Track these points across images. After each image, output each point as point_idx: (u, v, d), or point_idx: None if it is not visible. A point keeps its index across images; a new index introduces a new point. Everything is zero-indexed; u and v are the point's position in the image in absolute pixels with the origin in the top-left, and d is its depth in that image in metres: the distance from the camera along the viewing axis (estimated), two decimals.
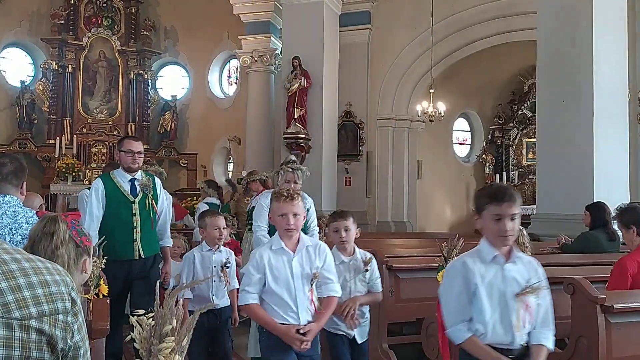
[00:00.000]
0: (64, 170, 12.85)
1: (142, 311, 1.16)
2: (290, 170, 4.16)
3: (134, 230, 4.06)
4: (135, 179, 4.15)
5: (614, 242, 5.04)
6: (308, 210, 3.74)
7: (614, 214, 3.60)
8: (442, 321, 3.12)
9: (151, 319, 1.13)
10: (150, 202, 4.14)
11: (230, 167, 14.76)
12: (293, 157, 4.84)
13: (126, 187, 4.12)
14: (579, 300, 2.77)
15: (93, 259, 2.09)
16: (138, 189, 4.12)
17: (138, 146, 4.15)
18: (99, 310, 2.03)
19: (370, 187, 12.34)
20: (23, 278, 1.05)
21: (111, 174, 4.19)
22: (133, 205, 4.08)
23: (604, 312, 2.69)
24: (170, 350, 1.11)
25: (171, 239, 4.47)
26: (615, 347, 2.70)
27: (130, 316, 1.16)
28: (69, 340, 1.08)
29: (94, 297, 2.33)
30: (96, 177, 4.62)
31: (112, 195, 4.08)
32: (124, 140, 4.26)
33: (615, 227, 5.04)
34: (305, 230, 3.35)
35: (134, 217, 4.06)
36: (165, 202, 4.42)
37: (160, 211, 4.29)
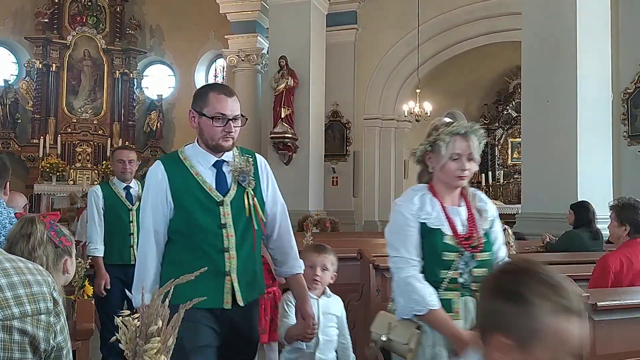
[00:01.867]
0: (48, 170, 12.71)
1: (127, 312, 1.15)
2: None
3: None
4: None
5: (597, 241, 5.10)
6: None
7: (612, 204, 3.54)
8: None
9: (136, 320, 1.12)
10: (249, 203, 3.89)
11: None
12: None
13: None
14: None
15: (77, 259, 2.07)
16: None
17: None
18: (84, 311, 2.01)
19: (357, 186, 12.36)
20: (4, 278, 1.03)
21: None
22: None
23: (587, 310, 2.72)
24: (156, 350, 1.10)
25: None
26: (599, 344, 2.73)
27: (116, 317, 1.15)
28: (51, 341, 1.07)
29: (78, 297, 2.31)
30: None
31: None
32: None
33: (599, 225, 5.12)
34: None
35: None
36: None
37: None
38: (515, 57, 9.91)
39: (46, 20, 13.40)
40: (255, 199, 2.21)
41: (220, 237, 2.14)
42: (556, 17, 6.86)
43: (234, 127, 2.15)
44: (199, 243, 2.12)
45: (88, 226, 4.11)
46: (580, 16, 6.68)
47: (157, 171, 2.20)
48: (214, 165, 2.20)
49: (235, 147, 2.24)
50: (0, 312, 1.00)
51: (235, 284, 2.14)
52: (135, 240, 3.95)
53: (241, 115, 2.18)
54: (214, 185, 2.17)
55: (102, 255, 4.03)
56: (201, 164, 2.20)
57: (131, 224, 4.08)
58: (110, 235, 4.07)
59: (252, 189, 2.21)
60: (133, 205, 4.12)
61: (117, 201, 4.12)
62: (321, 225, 9.37)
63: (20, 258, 1.10)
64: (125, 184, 4.18)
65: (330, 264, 2.69)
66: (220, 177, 2.20)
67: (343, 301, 2.95)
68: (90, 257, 3.99)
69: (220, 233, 2.14)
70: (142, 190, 3.94)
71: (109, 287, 3.97)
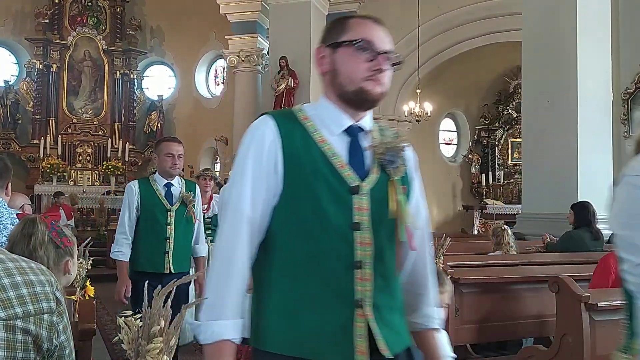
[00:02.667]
0: (48, 170, 12.74)
1: (129, 312, 1.15)
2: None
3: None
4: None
5: (597, 241, 5.10)
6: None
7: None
8: None
9: (139, 320, 1.12)
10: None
11: (218, 167, 14.71)
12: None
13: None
14: (564, 298, 2.80)
15: (79, 260, 2.08)
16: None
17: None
18: (86, 311, 2.02)
19: None
20: (7, 278, 1.04)
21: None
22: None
23: (588, 310, 2.72)
24: (158, 350, 1.10)
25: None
26: (600, 344, 2.74)
27: (118, 317, 1.16)
28: (54, 340, 1.07)
29: (80, 298, 2.32)
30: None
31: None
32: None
33: (599, 225, 5.12)
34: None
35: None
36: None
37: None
38: (515, 57, 9.90)
39: (46, 20, 13.42)
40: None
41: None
42: (556, 17, 6.87)
43: (385, 68, 1.36)
44: (316, 251, 1.30)
45: (118, 225, 3.62)
46: (580, 16, 6.69)
47: (266, 129, 1.37)
48: (347, 131, 1.39)
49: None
50: (4, 311, 1.01)
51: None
52: (172, 246, 3.51)
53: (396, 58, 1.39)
54: (347, 161, 1.36)
55: (127, 260, 3.55)
56: (329, 128, 1.38)
57: (168, 226, 3.53)
58: (142, 239, 3.55)
59: (401, 180, 1.38)
60: (172, 205, 3.58)
61: (155, 200, 3.58)
62: None
63: (23, 258, 1.11)
64: (167, 181, 3.63)
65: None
66: (355, 151, 1.38)
67: None
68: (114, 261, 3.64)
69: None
70: (186, 189, 3.61)
71: (129, 295, 3.57)
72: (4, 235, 2.55)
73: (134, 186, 3.62)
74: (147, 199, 3.56)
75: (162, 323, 1.09)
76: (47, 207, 11.70)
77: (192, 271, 3.78)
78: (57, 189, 12.49)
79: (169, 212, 3.54)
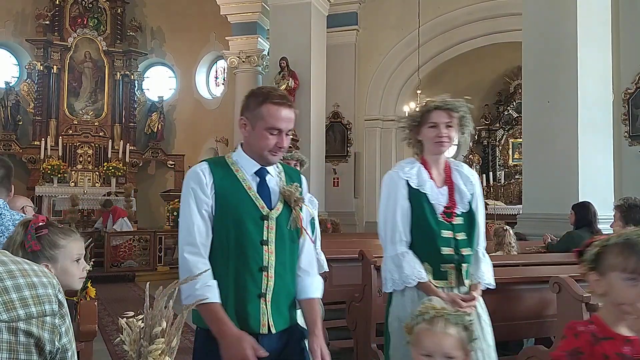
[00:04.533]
0: (49, 171, 12.75)
1: (131, 313, 1.16)
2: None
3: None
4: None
5: None
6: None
7: (617, 204, 3.52)
8: None
9: (140, 321, 1.13)
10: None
11: None
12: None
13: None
14: (565, 298, 2.80)
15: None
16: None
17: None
18: (87, 312, 2.02)
19: (358, 187, 12.38)
20: (10, 280, 1.04)
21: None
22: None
23: (589, 310, 2.72)
24: (160, 351, 1.11)
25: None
26: None
27: (120, 319, 1.16)
28: (56, 343, 1.08)
29: (81, 299, 2.32)
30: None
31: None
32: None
33: (600, 225, 5.12)
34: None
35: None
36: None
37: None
38: (515, 57, 9.90)
39: (47, 22, 13.44)
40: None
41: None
42: (557, 17, 6.87)
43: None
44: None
45: (182, 239, 1.93)
46: (581, 16, 6.69)
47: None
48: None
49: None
50: (6, 313, 1.01)
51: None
52: (272, 284, 1.93)
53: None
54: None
55: (219, 300, 1.86)
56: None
57: (265, 247, 1.94)
58: (219, 269, 1.92)
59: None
60: (272, 208, 1.98)
61: (243, 198, 1.96)
62: (322, 226, 9.34)
63: (26, 260, 1.11)
64: (260, 167, 2.01)
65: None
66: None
67: (344, 303, 2.95)
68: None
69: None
70: (287, 179, 2.05)
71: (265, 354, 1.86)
72: (6, 237, 2.56)
73: (203, 171, 1.97)
74: (228, 196, 1.96)
75: (164, 324, 1.10)
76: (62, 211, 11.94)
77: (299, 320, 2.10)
78: (58, 190, 12.51)
79: (265, 221, 1.96)
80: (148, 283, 1.29)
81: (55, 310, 1.07)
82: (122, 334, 1.17)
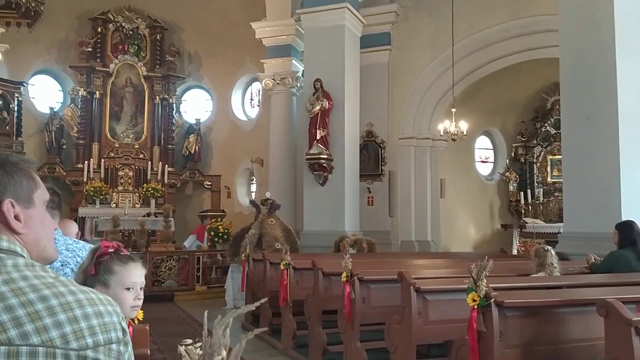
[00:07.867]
0: (92, 193, 13.12)
1: (189, 340, 1.20)
2: None
3: None
4: None
5: None
6: None
7: None
8: (472, 344, 3.11)
9: (199, 349, 1.17)
10: None
11: (254, 188, 14.89)
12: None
13: None
14: (613, 322, 2.74)
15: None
16: None
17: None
18: (140, 337, 2.09)
19: (393, 206, 12.33)
20: (79, 309, 1.10)
21: None
22: None
23: (639, 334, 2.66)
24: None
25: None
26: None
27: (179, 346, 1.21)
28: None
29: (131, 323, 2.38)
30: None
31: None
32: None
33: None
34: None
35: None
36: None
37: None
38: (551, 73, 9.79)
39: (89, 49, 13.95)
40: None
41: None
42: (594, 33, 6.79)
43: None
44: None
45: None
46: (618, 30, 6.59)
47: None
48: None
49: None
50: (76, 342, 1.07)
51: None
52: None
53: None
54: None
55: None
56: None
57: None
58: None
59: None
60: None
61: None
62: (358, 246, 9.35)
63: (92, 289, 1.17)
64: None
65: None
66: None
67: (383, 324, 2.90)
68: None
69: None
70: None
71: None
72: (59, 261, 2.66)
73: None
74: None
75: (224, 353, 1.13)
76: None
77: None
78: (100, 211, 12.86)
79: None
80: (206, 312, 1.33)
81: (120, 337, 1.13)
82: None
